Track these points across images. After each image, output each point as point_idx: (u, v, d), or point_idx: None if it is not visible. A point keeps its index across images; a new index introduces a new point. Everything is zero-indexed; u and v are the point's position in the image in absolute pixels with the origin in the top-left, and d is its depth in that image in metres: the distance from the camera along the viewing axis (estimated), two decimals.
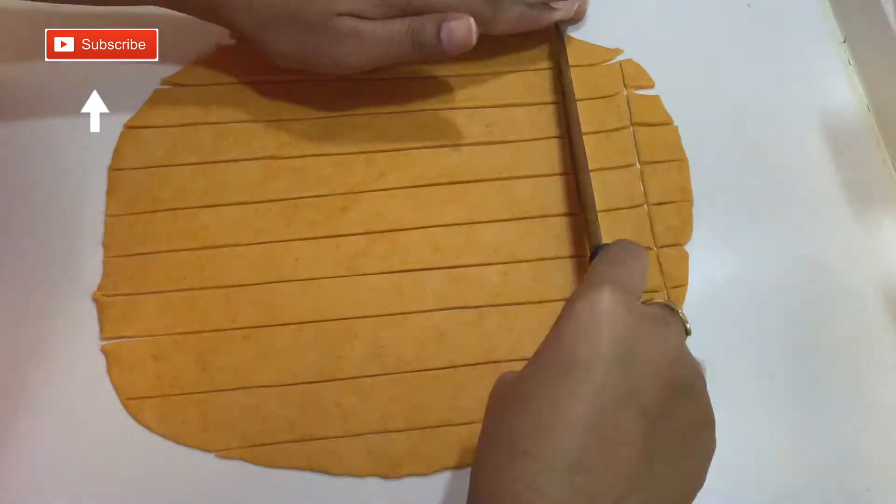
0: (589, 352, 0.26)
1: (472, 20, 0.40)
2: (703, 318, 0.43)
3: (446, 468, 0.39)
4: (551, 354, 0.27)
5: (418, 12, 0.41)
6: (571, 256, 0.44)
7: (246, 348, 0.41)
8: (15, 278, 0.40)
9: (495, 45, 0.48)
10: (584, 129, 0.47)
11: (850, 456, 0.40)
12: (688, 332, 0.30)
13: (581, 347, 0.26)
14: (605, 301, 0.27)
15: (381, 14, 0.40)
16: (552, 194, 0.45)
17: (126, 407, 0.39)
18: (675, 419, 0.27)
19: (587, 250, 0.40)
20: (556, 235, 0.44)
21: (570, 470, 0.24)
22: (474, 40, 0.40)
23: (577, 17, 0.49)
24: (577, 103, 0.47)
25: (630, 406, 0.26)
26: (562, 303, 0.42)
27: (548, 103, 0.47)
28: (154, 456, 0.38)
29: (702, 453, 0.29)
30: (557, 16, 0.47)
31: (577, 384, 0.26)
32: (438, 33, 0.40)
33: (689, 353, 0.30)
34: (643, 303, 0.30)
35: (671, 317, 0.30)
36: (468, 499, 0.27)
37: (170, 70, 0.46)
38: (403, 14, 0.41)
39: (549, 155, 0.46)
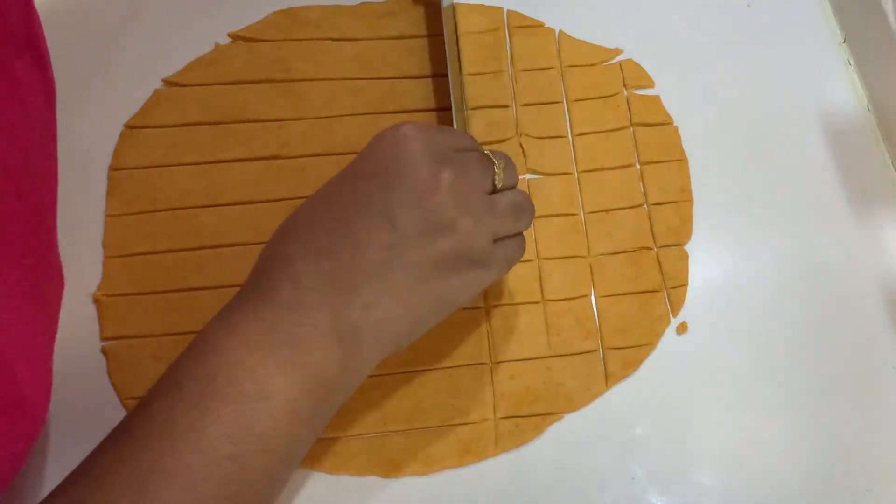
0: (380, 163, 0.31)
1: None
2: (703, 318, 0.43)
3: (446, 468, 0.39)
4: (359, 169, 0.32)
5: None
6: (571, 256, 0.44)
7: None
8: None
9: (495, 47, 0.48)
10: (584, 129, 0.47)
11: (850, 456, 0.40)
12: (497, 183, 0.34)
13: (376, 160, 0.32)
14: (407, 128, 0.32)
15: None
16: (554, 192, 0.45)
17: (126, 407, 0.39)
18: (434, 245, 0.31)
19: None
20: (555, 235, 0.44)
21: (317, 255, 0.30)
22: None
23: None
24: (577, 103, 0.47)
25: (394, 211, 0.30)
26: (562, 303, 0.43)
27: (553, 103, 0.47)
28: None
29: (458, 285, 0.32)
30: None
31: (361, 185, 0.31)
32: None
33: (486, 201, 0.33)
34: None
35: (482, 162, 0.33)
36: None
37: (170, 70, 0.46)
38: None
39: (549, 154, 0.46)
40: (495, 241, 0.33)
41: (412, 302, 0.31)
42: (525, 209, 0.35)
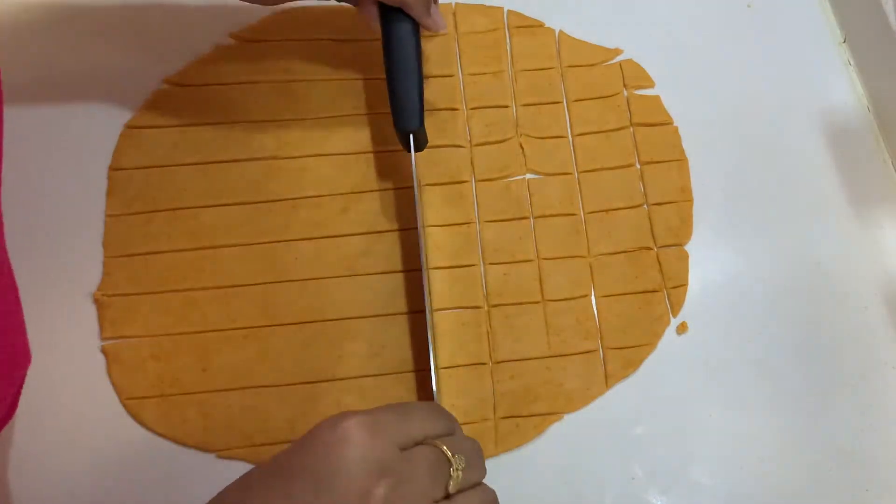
0: (312, 466, 0.27)
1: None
2: (703, 318, 0.43)
3: None
4: (289, 462, 0.28)
5: None
6: (571, 256, 0.44)
7: (246, 348, 0.41)
8: (16, 278, 0.39)
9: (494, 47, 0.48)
10: (584, 129, 0.47)
11: (849, 456, 0.40)
12: (451, 489, 0.29)
13: (310, 462, 0.27)
14: (349, 425, 0.27)
15: None
16: (554, 192, 0.45)
17: (126, 407, 0.39)
18: None
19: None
20: (555, 235, 0.44)
21: None
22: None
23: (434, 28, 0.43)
24: (577, 103, 0.47)
25: None
26: (562, 303, 0.43)
27: (553, 103, 0.47)
28: (154, 456, 0.39)
29: None
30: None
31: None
32: None
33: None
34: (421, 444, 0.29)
35: (435, 465, 0.29)
36: None
37: (170, 70, 0.46)
38: None
39: (549, 154, 0.46)
40: None
41: None
42: None
